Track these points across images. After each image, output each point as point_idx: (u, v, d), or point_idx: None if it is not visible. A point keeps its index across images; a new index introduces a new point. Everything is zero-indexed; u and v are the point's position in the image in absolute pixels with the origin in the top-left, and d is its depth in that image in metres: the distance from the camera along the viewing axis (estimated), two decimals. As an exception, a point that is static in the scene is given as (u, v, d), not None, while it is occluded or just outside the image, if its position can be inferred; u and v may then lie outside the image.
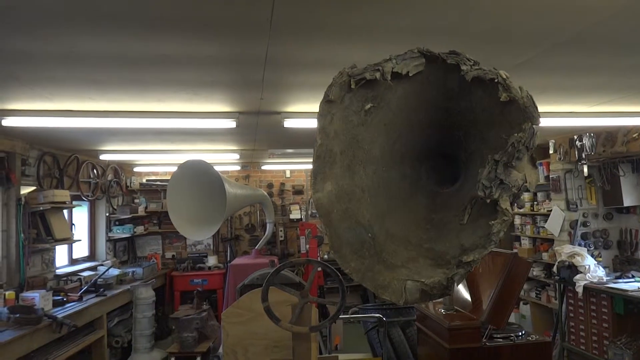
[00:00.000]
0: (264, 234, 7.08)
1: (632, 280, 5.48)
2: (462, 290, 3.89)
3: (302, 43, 2.60)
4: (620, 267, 6.16)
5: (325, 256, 8.54)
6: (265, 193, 7.07)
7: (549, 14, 2.32)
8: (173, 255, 8.68)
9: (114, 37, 2.43)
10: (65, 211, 6.08)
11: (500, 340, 3.38)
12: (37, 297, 4.64)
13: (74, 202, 6.32)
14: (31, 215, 5.29)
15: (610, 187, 6.06)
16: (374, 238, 1.94)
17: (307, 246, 6.76)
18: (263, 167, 8.87)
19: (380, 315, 4.29)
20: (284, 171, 9.16)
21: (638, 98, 4.17)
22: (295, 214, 9.00)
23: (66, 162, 6.20)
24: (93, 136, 5.29)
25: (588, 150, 5.91)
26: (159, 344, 6.73)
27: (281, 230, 8.87)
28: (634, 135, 5.45)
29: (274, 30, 2.37)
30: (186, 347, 5.20)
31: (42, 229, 5.51)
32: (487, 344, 3.33)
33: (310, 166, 1.96)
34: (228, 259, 8.31)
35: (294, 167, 9.04)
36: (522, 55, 2.93)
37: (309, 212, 8.99)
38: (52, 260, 5.88)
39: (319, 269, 2.67)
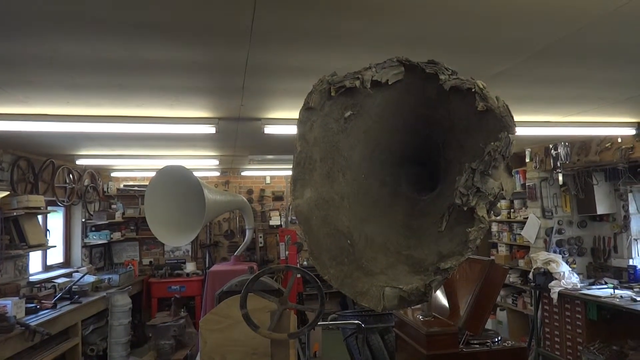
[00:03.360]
0: (244, 240, 7.05)
1: (605, 286, 5.60)
2: (440, 297, 3.92)
3: (283, 50, 2.61)
4: (593, 273, 6.30)
5: (305, 263, 8.53)
6: (245, 199, 7.05)
7: (524, 26, 2.37)
8: (150, 262, 8.56)
9: (95, 42, 2.40)
10: (39, 217, 5.96)
11: (477, 346, 3.42)
12: (10, 305, 4.53)
13: (49, 208, 6.20)
14: (4, 220, 5.17)
15: (584, 196, 6.20)
16: (353, 245, 1.96)
17: (287, 252, 6.75)
18: (243, 173, 8.84)
19: (359, 322, 4.30)
20: (264, 177, 9.14)
21: (610, 109, 4.28)
22: (275, 220, 8.96)
23: (41, 167, 6.09)
24: (70, 141, 5.22)
25: (563, 159, 6.04)
26: (135, 352, 6.63)
27: (261, 237, 8.83)
28: (607, 145, 5.59)
29: (255, 37, 2.38)
30: (163, 354, 5.13)
31: (15, 234, 5.40)
32: (464, 349, 3.37)
33: (290, 172, 1.98)
34: (207, 266, 8.24)
35: (274, 173, 9.02)
36: (499, 66, 2.99)
37: (289, 219, 8.97)
38: (26, 267, 5.76)
39: (298, 275, 2.67)
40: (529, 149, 6.62)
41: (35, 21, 2.14)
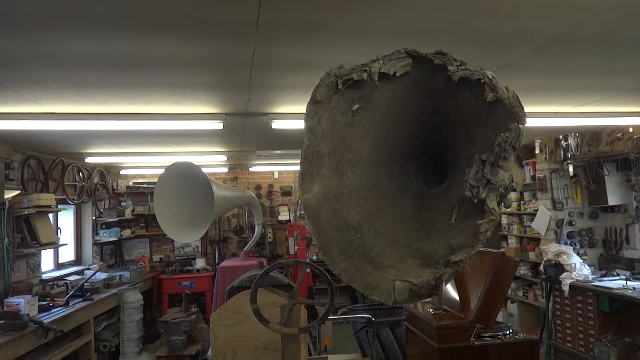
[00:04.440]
0: (253, 235, 7.06)
1: (617, 278, 5.55)
2: (451, 290, 3.91)
3: (289, 44, 2.60)
4: (605, 265, 6.24)
5: (314, 257, 8.53)
6: (254, 194, 7.05)
7: (532, 16, 2.34)
8: (161, 258, 8.62)
9: (101, 39, 2.40)
10: (50, 215, 6.01)
11: (488, 339, 3.40)
12: (23, 303, 4.57)
13: (60, 206, 6.24)
14: (16, 219, 5.22)
15: (595, 187, 6.14)
16: (362, 238, 1.95)
17: (296, 247, 6.77)
18: (251, 169, 8.85)
19: (369, 316, 4.29)
20: (272, 172, 9.15)
21: (621, 98, 4.23)
22: (283, 215, 8.98)
23: (51, 166, 6.13)
24: (78, 139, 5.24)
25: (573, 150, 5.98)
26: (147, 348, 6.68)
27: (270, 232, 8.85)
28: (618, 135, 5.52)
29: (261, 31, 2.36)
30: (175, 350, 5.16)
31: (27, 233, 5.44)
32: (475, 342, 3.35)
33: (298, 167, 1.99)
34: (216, 261, 8.27)
35: (282, 168, 9.03)
36: (508, 56, 2.96)
37: (298, 213, 8.98)
38: (38, 265, 5.81)
39: (308, 270, 2.67)
40: (539, 140, 6.56)
41: (40, 19, 2.14)
